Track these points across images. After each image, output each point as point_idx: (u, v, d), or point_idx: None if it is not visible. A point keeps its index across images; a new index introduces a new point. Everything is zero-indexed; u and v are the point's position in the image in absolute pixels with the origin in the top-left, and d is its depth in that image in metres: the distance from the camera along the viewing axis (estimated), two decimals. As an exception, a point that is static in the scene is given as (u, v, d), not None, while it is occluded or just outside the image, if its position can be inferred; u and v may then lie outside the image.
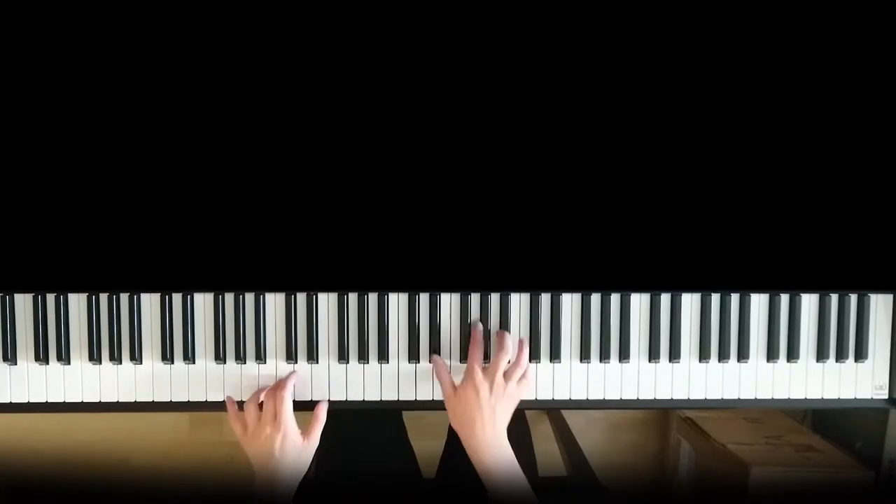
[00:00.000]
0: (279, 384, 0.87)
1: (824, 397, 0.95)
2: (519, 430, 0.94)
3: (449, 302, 0.93)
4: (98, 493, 1.61)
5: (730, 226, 0.88)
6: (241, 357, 0.92)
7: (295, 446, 0.85)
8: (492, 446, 0.82)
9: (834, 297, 0.94)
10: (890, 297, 0.94)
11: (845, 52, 0.83)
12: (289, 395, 0.86)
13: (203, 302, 0.93)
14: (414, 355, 0.93)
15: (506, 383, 0.84)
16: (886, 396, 0.95)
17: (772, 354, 0.94)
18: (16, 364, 0.93)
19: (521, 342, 0.90)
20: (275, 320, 0.93)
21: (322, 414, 0.89)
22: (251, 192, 0.87)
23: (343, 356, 0.92)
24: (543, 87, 0.85)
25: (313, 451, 0.87)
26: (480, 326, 0.91)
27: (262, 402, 0.87)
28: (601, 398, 0.94)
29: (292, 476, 0.84)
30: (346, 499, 0.82)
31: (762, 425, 1.40)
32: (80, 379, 0.93)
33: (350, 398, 0.93)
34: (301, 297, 0.92)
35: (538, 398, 0.93)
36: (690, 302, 0.94)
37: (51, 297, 0.92)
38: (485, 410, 0.82)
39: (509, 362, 0.88)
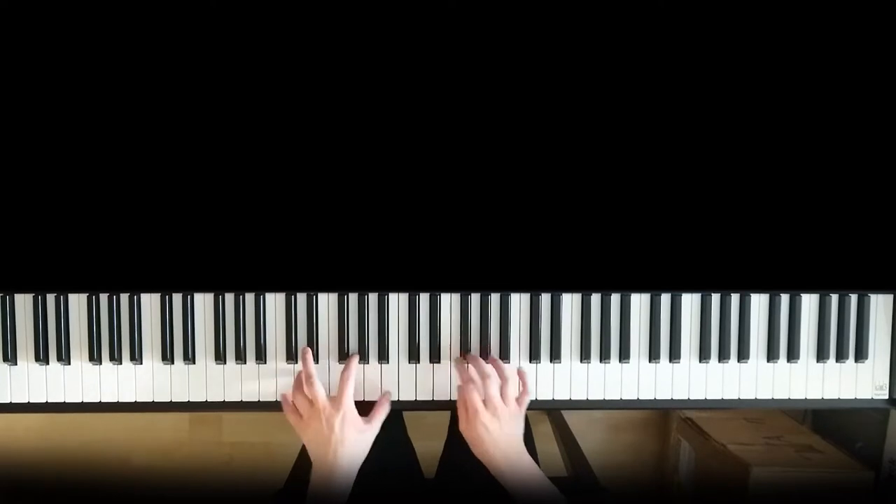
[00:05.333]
0: (345, 369, 0.87)
1: (824, 397, 0.95)
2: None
3: (449, 302, 0.93)
4: (98, 493, 1.62)
5: (730, 226, 0.88)
6: (241, 357, 0.92)
7: (355, 426, 0.84)
8: (515, 468, 0.83)
9: (834, 298, 0.94)
10: (890, 297, 0.94)
11: (845, 52, 0.83)
12: (352, 379, 0.86)
13: (203, 302, 0.93)
14: (414, 355, 0.93)
15: (507, 406, 0.85)
16: (886, 396, 0.95)
17: (772, 354, 0.94)
18: (16, 364, 0.93)
19: (492, 360, 0.90)
20: (275, 320, 0.93)
21: (387, 403, 0.89)
22: (251, 193, 0.87)
23: (343, 356, 0.92)
24: (543, 88, 0.85)
25: (373, 437, 0.86)
26: (465, 364, 0.90)
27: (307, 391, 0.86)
28: (601, 398, 0.94)
29: (352, 459, 0.83)
30: (347, 499, 0.82)
31: (762, 425, 1.40)
32: (81, 379, 0.93)
33: (350, 398, 0.93)
34: (301, 298, 0.92)
35: (538, 398, 0.93)
36: (690, 302, 0.94)
37: (51, 297, 0.92)
38: (500, 441, 0.83)
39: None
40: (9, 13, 0.82)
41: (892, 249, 0.87)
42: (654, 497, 1.70)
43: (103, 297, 0.92)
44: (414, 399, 0.93)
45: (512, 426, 0.85)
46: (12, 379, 0.93)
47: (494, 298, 0.93)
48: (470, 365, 0.89)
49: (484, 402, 0.84)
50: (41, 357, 0.92)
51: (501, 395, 0.85)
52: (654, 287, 0.92)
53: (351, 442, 0.83)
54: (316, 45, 0.83)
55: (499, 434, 0.83)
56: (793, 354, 0.94)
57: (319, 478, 0.82)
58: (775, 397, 0.95)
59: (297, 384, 0.88)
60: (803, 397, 0.95)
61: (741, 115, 0.85)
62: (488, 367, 0.87)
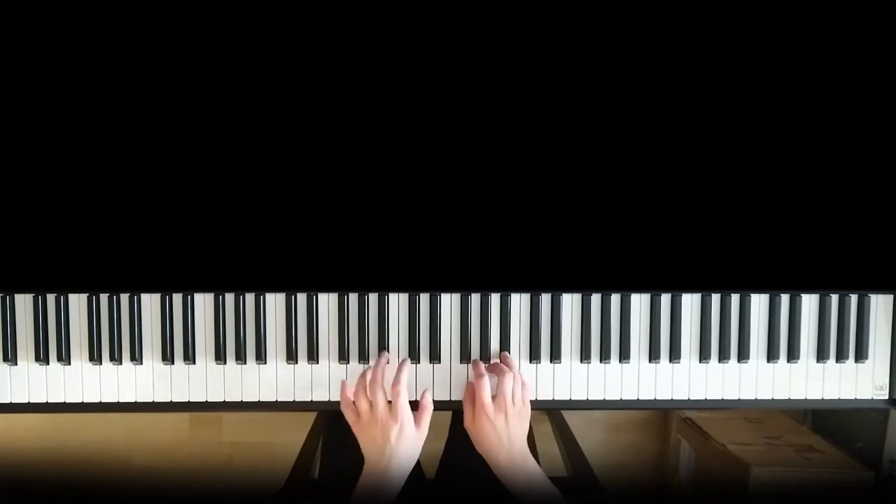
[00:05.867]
0: (396, 377, 0.86)
1: (824, 397, 0.95)
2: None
3: (449, 302, 0.93)
4: (98, 493, 1.62)
5: (730, 226, 0.88)
6: (241, 357, 0.92)
7: (410, 436, 0.84)
8: (518, 468, 0.83)
9: (834, 298, 0.94)
10: (890, 297, 0.94)
11: (845, 52, 0.83)
12: (405, 386, 0.85)
13: (203, 302, 0.93)
14: (414, 355, 0.93)
15: (514, 404, 0.85)
16: (886, 397, 0.95)
17: (772, 355, 0.94)
18: (16, 364, 0.93)
19: (505, 357, 0.91)
20: (275, 320, 0.93)
21: (429, 403, 0.88)
22: (252, 193, 0.87)
23: (343, 356, 0.93)
24: (543, 88, 0.85)
25: (422, 441, 0.86)
26: (481, 364, 0.90)
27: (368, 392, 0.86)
28: (601, 398, 0.94)
29: (404, 466, 0.84)
30: (348, 498, 0.82)
31: (762, 425, 1.40)
32: (81, 379, 0.93)
33: (350, 398, 0.93)
34: (301, 298, 0.92)
35: (538, 398, 0.93)
36: (691, 302, 0.94)
37: (51, 297, 0.92)
38: (505, 439, 0.84)
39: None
40: (9, 13, 0.82)
41: (892, 249, 0.87)
42: (654, 497, 1.70)
43: (103, 297, 0.92)
44: (415, 399, 0.93)
45: (516, 424, 0.85)
46: (12, 379, 0.93)
47: (494, 298, 0.93)
48: (487, 364, 0.90)
49: (493, 398, 0.85)
50: (41, 357, 0.92)
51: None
52: (654, 287, 0.92)
53: (404, 450, 0.83)
54: (315, 46, 0.83)
55: (503, 430, 0.84)
56: (793, 355, 0.94)
57: (371, 478, 0.83)
58: (775, 397, 0.95)
59: (361, 383, 0.86)
60: (803, 397, 0.95)
61: (741, 115, 0.85)
62: (504, 366, 0.88)
